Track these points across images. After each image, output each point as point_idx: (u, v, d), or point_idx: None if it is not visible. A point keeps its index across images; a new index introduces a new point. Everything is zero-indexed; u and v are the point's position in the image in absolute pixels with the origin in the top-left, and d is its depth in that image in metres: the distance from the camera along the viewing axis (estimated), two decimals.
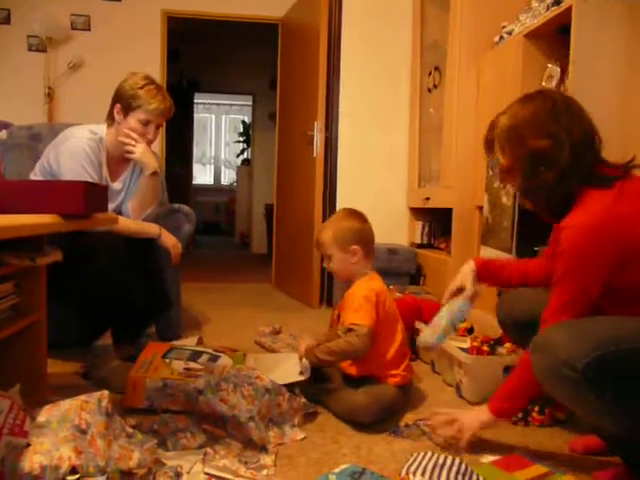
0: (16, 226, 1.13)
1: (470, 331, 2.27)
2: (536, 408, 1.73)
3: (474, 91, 3.02)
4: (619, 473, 1.35)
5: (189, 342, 2.20)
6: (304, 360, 1.84)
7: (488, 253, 2.61)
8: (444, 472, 1.29)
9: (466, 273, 1.70)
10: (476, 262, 1.72)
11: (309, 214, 3.68)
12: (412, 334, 2.28)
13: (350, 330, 1.73)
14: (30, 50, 4.39)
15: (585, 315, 1.30)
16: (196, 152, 9.61)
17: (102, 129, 2.19)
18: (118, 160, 2.23)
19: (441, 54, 3.30)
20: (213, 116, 11.03)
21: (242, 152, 9.36)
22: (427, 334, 1.71)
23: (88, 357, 2.10)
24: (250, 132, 8.31)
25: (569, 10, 2.15)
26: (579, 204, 1.33)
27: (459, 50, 3.04)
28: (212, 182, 11.02)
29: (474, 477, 1.30)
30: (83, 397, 1.24)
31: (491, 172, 2.64)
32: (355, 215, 1.91)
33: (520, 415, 1.73)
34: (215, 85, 8.02)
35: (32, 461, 1.05)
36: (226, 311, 3.39)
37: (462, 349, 2.01)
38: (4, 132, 2.74)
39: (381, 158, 3.85)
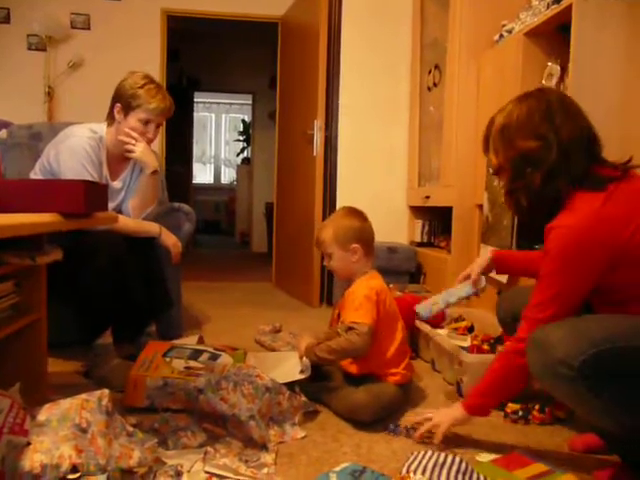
0: (16, 225, 1.13)
1: (470, 330, 2.28)
2: (537, 406, 1.73)
3: (474, 89, 3.02)
4: (619, 472, 1.35)
5: (189, 341, 2.20)
6: (304, 359, 1.84)
7: (488, 252, 2.61)
8: (444, 471, 1.29)
9: (479, 261, 1.80)
10: (493, 253, 1.80)
11: (309, 213, 3.68)
12: (412, 333, 2.28)
13: (350, 328, 1.73)
14: (30, 49, 4.39)
15: (565, 316, 1.30)
16: (196, 151, 9.61)
17: (102, 128, 2.19)
18: (118, 159, 2.23)
19: (441, 52, 3.30)
20: (213, 115, 11.03)
21: (242, 151, 9.35)
22: (420, 307, 1.89)
23: (88, 356, 2.10)
24: (250, 131, 8.31)
25: (569, 8, 2.15)
26: (568, 206, 1.32)
27: (459, 48, 3.04)
28: (212, 181, 11.01)
29: (474, 476, 1.30)
30: (83, 396, 1.24)
31: (491, 171, 2.64)
32: (355, 214, 1.91)
33: (520, 414, 1.73)
34: (215, 84, 8.02)
35: (33, 460, 1.05)
36: (226, 310, 3.39)
37: (462, 348, 2.01)
38: (4, 131, 2.74)
39: (381, 157, 3.85)
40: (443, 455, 1.36)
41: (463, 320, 2.40)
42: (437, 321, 2.35)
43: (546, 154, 1.35)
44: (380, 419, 1.69)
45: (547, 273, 1.33)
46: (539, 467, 1.39)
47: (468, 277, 1.81)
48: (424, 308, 1.89)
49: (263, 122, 7.25)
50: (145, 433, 1.38)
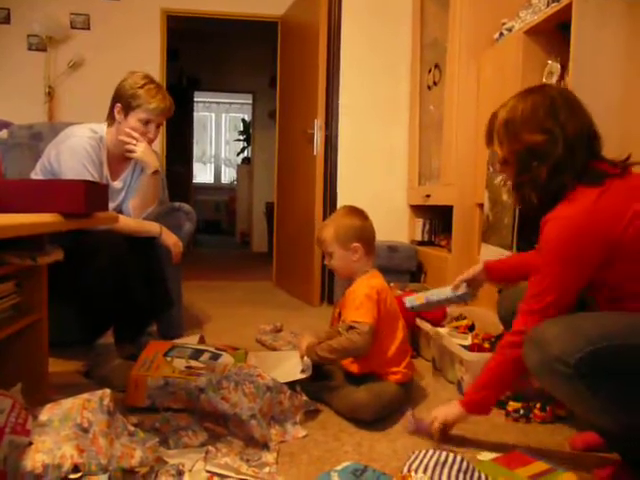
0: (17, 225, 1.13)
1: (471, 328, 2.27)
2: (537, 405, 1.73)
3: (474, 88, 3.02)
4: (619, 470, 1.35)
5: (190, 340, 2.20)
6: (305, 358, 1.84)
7: (489, 250, 2.61)
8: (445, 469, 1.29)
9: (470, 269, 1.84)
10: (485, 263, 1.83)
11: (309, 212, 3.68)
12: (413, 332, 2.28)
13: (351, 328, 1.73)
14: (30, 49, 4.39)
15: (561, 307, 1.31)
16: (196, 151, 9.60)
17: (102, 128, 2.19)
18: (119, 159, 2.23)
19: (441, 51, 3.30)
20: (213, 114, 11.02)
21: (242, 150, 9.35)
22: (408, 299, 1.99)
23: (90, 356, 2.11)
24: (250, 130, 8.31)
25: (569, 6, 2.15)
26: (566, 199, 1.34)
27: (459, 47, 3.04)
28: (212, 181, 11.01)
29: (476, 474, 1.30)
30: (85, 396, 1.24)
31: (491, 169, 2.64)
32: (356, 213, 1.91)
33: (522, 412, 1.73)
34: (215, 83, 8.01)
35: (34, 460, 1.06)
36: (227, 309, 3.39)
37: (463, 346, 2.01)
38: (5, 131, 2.75)
39: (381, 156, 3.85)
40: (444, 454, 1.36)
41: (464, 319, 2.40)
42: (438, 320, 2.35)
43: (552, 148, 1.36)
44: (381, 418, 1.69)
45: (542, 264, 1.35)
46: (540, 465, 1.39)
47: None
48: (409, 299, 1.98)
49: (263, 121, 7.25)
50: (146, 433, 1.38)
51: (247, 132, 9.04)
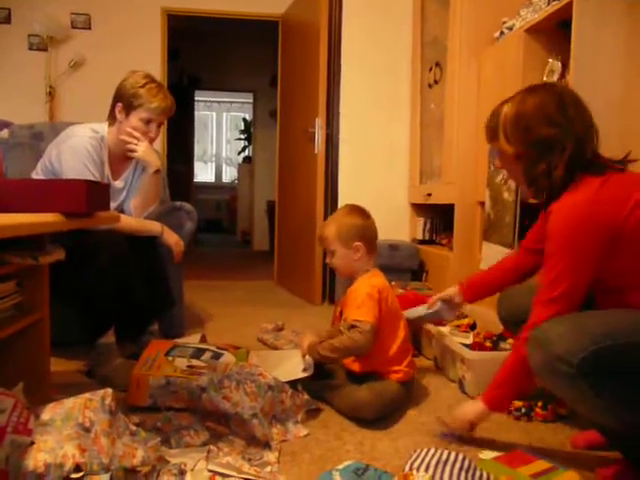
0: (18, 225, 1.14)
1: (473, 327, 2.27)
2: (539, 404, 1.73)
3: (475, 87, 3.01)
4: (622, 468, 1.35)
5: (192, 340, 2.20)
6: (307, 357, 1.84)
7: (490, 249, 2.61)
8: (447, 468, 1.29)
9: (447, 290, 1.98)
10: (461, 285, 1.93)
11: (311, 211, 3.68)
12: (414, 330, 2.28)
13: (353, 327, 1.73)
14: (31, 49, 4.39)
15: (576, 294, 1.31)
16: (197, 150, 9.60)
17: (104, 128, 2.19)
18: (120, 158, 2.24)
19: (442, 50, 3.30)
20: (214, 114, 11.02)
21: (243, 149, 9.35)
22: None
23: (91, 355, 2.11)
24: (251, 129, 8.31)
25: (570, 4, 2.15)
26: (571, 189, 1.36)
27: (459, 46, 3.03)
28: (213, 180, 11.01)
29: (477, 473, 1.30)
30: (87, 395, 1.24)
31: (492, 167, 2.64)
32: (359, 211, 1.91)
33: (523, 411, 1.73)
34: (216, 83, 8.01)
35: (36, 459, 1.06)
36: (228, 308, 3.40)
37: (465, 345, 2.01)
38: (6, 131, 2.75)
39: (382, 154, 3.84)
40: (446, 452, 1.36)
41: (465, 317, 2.40)
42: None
43: (566, 141, 1.37)
44: (383, 417, 1.69)
45: (551, 252, 1.35)
46: (542, 464, 1.39)
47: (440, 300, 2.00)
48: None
49: (264, 120, 7.25)
50: (148, 432, 1.38)
51: (248, 131, 9.05)
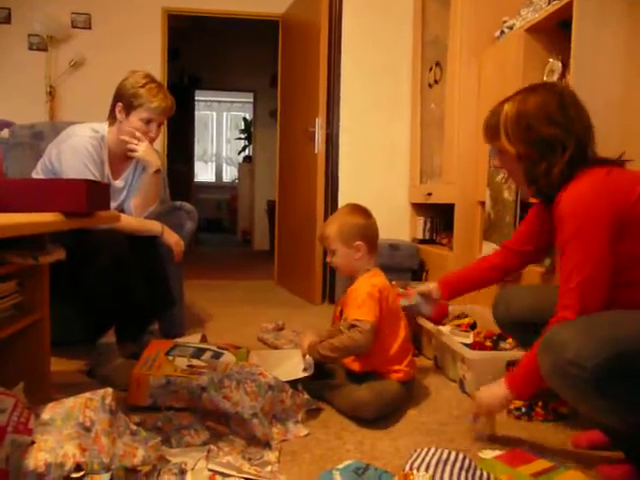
0: (18, 225, 1.14)
1: (473, 326, 2.28)
2: (540, 403, 1.73)
3: (475, 86, 3.01)
4: (624, 467, 1.35)
5: (192, 339, 2.20)
6: (307, 356, 1.84)
7: (490, 248, 2.61)
8: (448, 467, 1.29)
9: (427, 284, 2.07)
10: (439, 281, 2.02)
11: (311, 210, 3.68)
12: (415, 330, 2.28)
13: (353, 326, 1.73)
14: (31, 49, 4.39)
15: (602, 278, 1.29)
16: (197, 149, 9.59)
17: (104, 127, 2.19)
18: (120, 158, 2.24)
19: (442, 49, 3.30)
20: (214, 113, 11.02)
21: (243, 149, 9.35)
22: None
23: (92, 355, 2.11)
24: (251, 129, 8.31)
25: (570, 4, 2.15)
26: (576, 179, 1.36)
27: (460, 45, 3.03)
28: (214, 179, 11.01)
29: (478, 472, 1.30)
30: (87, 395, 1.25)
31: (492, 167, 2.64)
32: (360, 211, 1.91)
33: (524, 410, 1.73)
34: (216, 82, 8.01)
35: (37, 459, 1.06)
36: (229, 308, 3.40)
37: (465, 344, 2.01)
38: (6, 131, 2.74)
39: (382, 154, 3.84)
40: (446, 452, 1.36)
41: (466, 317, 2.40)
42: (439, 318, 2.35)
43: (566, 141, 1.38)
44: (383, 416, 1.69)
45: (566, 240, 1.34)
46: (543, 463, 1.39)
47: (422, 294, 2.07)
48: None
49: (264, 120, 7.25)
50: (148, 431, 1.38)
51: (248, 131, 9.05)
